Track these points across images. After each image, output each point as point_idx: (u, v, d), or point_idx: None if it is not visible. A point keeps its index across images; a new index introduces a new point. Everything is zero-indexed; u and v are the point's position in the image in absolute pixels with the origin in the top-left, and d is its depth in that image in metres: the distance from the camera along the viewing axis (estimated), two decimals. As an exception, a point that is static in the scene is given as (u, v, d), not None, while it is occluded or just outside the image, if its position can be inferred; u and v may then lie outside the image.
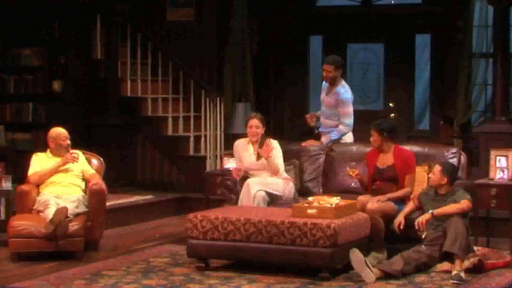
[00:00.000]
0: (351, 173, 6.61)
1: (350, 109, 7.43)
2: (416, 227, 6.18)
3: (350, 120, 7.43)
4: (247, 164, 7.04)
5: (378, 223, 6.33)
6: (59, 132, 6.92)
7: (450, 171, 6.30)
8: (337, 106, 7.42)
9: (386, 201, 6.46)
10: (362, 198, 6.49)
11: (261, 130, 6.98)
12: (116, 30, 9.45)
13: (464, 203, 6.16)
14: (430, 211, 6.18)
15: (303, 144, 7.44)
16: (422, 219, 6.17)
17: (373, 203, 6.40)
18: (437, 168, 6.27)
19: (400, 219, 6.33)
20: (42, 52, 9.43)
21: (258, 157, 6.97)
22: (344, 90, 7.45)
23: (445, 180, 6.24)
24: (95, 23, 9.46)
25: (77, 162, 6.82)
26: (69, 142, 6.91)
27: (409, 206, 6.42)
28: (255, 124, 6.96)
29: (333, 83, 7.45)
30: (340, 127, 7.44)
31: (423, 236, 6.17)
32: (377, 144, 6.63)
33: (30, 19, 9.30)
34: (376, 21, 10.44)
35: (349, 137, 7.55)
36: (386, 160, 6.63)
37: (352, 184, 6.94)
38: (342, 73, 7.53)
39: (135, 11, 9.79)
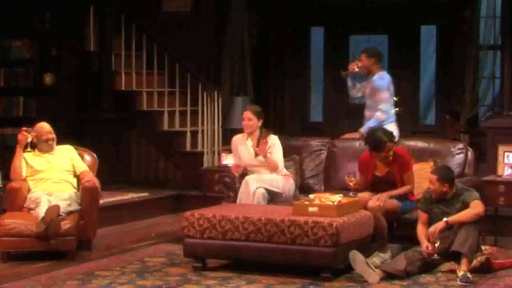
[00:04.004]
0: (349, 183, 6.47)
1: (385, 95, 7.42)
2: (429, 237, 5.92)
3: (386, 106, 7.40)
4: (245, 159, 6.98)
5: (380, 222, 6.20)
6: (41, 126, 6.84)
7: (448, 176, 6.04)
8: (374, 95, 7.44)
9: (388, 199, 6.28)
10: (362, 195, 6.34)
11: (254, 123, 6.93)
12: (110, 21, 9.38)
13: (477, 207, 5.93)
14: (444, 219, 5.92)
15: (342, 137, 7.48)
16: (435, 228, 5.92)
17: (374, 201, 6.26)
18: (433, 177, 6.00)
19: (426, 244, 5.94)
20: (33, 44, 9.33)
21: (256, 152, 6.90)
22: (379, 77, 7.46)
23: (447, 187, 6.01)
24: (88, 13, 9.38)
25: (29, 137, 6.65)
26: (51, 136, 6.80)
27: (422, 221, 6.07)
28: (247, 116, 6.95)
29: (369, 73, 7.48)
30: (377, 113, 7.40)
31: (436, 245, 5.89)
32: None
33: (21, 10, 9.21)
34: (379, 12, 10.39)
35: (393, 128, 7.19)
36: (384, 167, 6.43)
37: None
38: (377, 62, 7.51)
39: (129, 1, 9.71)
